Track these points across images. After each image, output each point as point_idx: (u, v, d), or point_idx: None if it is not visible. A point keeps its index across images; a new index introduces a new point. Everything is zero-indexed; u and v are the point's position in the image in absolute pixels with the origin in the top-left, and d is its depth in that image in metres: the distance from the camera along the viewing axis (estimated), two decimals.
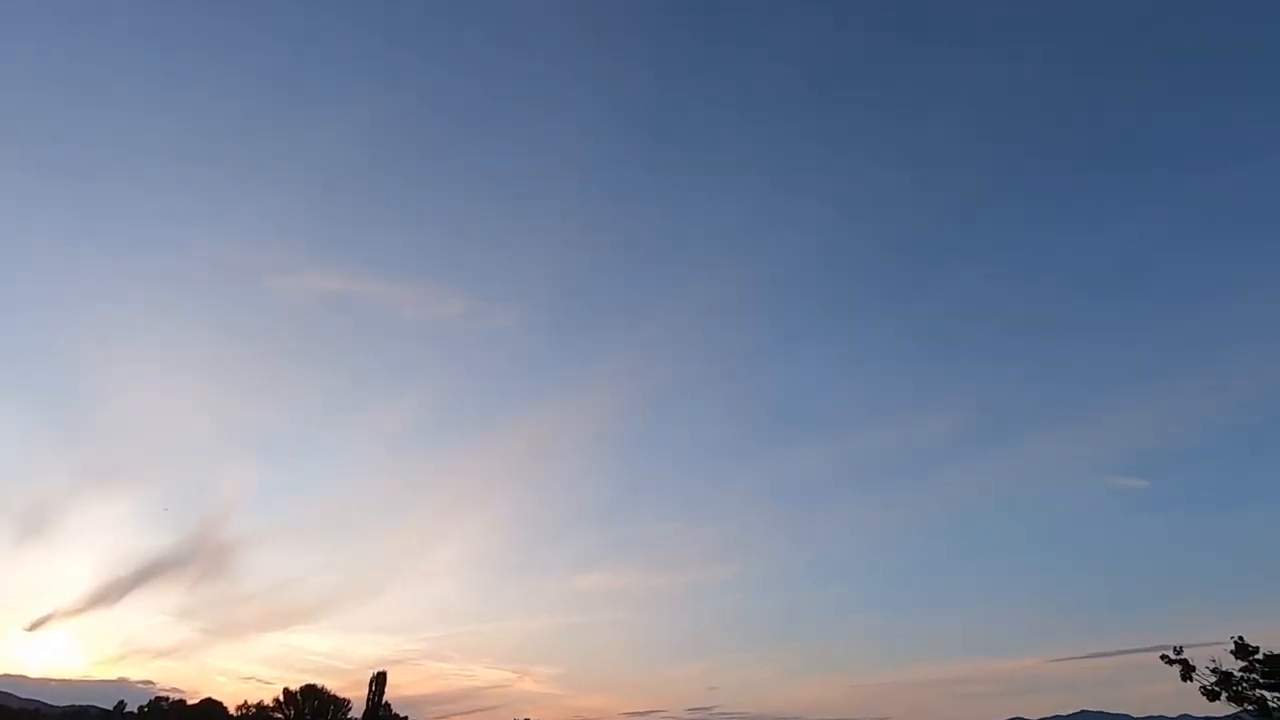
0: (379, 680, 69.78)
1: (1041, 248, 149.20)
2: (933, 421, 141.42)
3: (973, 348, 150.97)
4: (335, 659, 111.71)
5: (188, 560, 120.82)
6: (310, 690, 69.32)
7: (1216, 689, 27.47)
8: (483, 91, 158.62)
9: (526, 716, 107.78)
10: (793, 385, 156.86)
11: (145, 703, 79.98)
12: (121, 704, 79.47)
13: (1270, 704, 26.57)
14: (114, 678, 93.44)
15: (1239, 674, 27.31)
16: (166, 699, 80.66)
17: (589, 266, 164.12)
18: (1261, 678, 26.92)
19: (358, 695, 69.06)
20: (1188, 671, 27.90)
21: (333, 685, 70.95)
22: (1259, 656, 27.19)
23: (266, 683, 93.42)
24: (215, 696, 79.66)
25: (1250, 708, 26.69)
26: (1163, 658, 28.54)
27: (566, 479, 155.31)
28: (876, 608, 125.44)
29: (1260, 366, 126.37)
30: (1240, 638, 27.65)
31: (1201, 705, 27.76)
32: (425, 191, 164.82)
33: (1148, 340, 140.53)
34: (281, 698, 69.12)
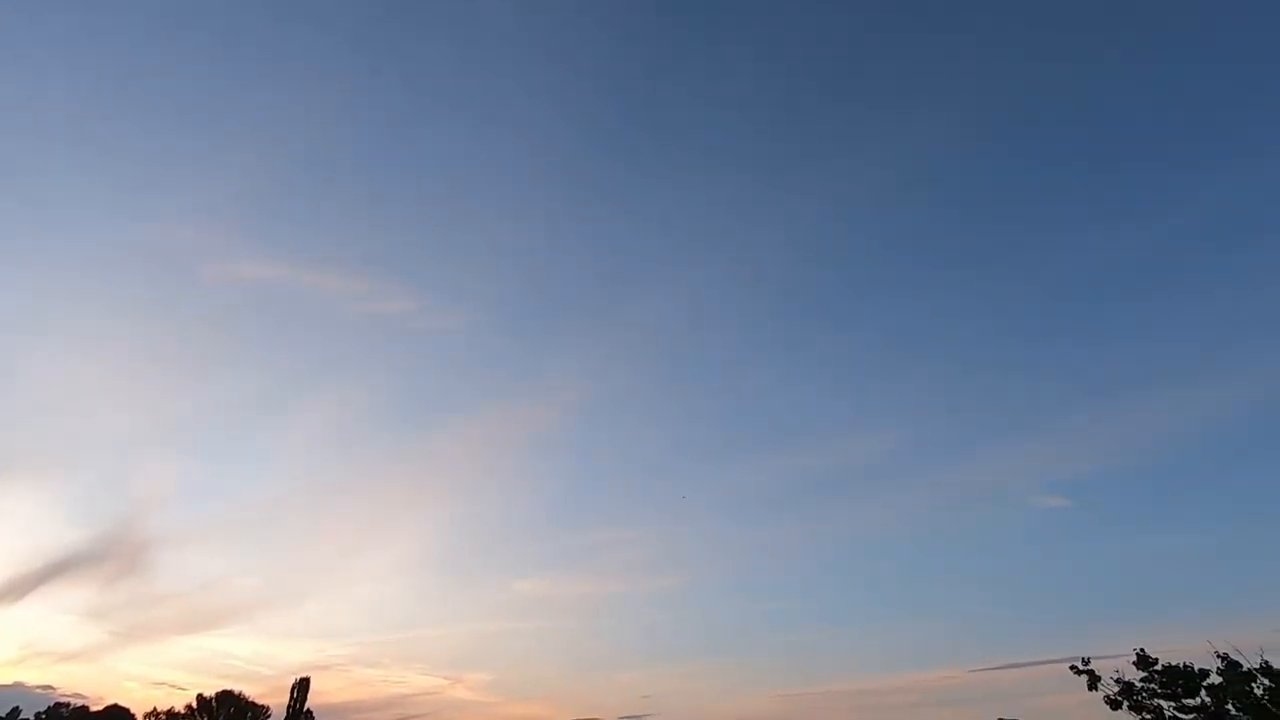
0: (301, 686, 67.14)
1: (1026, 251, 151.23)
2: (876, 437, 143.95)
3: (941, 357, 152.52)
4: (258, 664, 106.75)
5: (101, 558, 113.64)
6: (226, 696, 66.19)
7: (1119, 698, 28.93)
8: (444, 75, 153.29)
9: None
10: (747, 394, 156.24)
11: (43, 709, 75.05)
12: (16, 710, 74.16)
13: (1166, 713, 28.09)
14: (9, 682, 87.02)
15: (1140, 684, 28.82)
16: (67, 705, 75.80)
17: (547, 267, 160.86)
18: (1160, 688, 28.47)
19: (279, 702, 66.29)
20: (1094, 681, 29.30)
21: (253, 691, 67.78)
22: (1158, 668, 28.77)
23: (180, 689, 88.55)
24: (122, 703, 75.10)
25: (1148, 716, 28.16)
26: (1072, 668, 29.92)
27: (509, 483, 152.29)
28: (809, 620, 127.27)
29: (1182, 404, 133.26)
30: (1142, 650, 29.22)
31: (1105, 714, 29.17)
32: (377, 179, 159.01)
33: (1097, 362, 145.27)
34: (195, 704, 65.90)
